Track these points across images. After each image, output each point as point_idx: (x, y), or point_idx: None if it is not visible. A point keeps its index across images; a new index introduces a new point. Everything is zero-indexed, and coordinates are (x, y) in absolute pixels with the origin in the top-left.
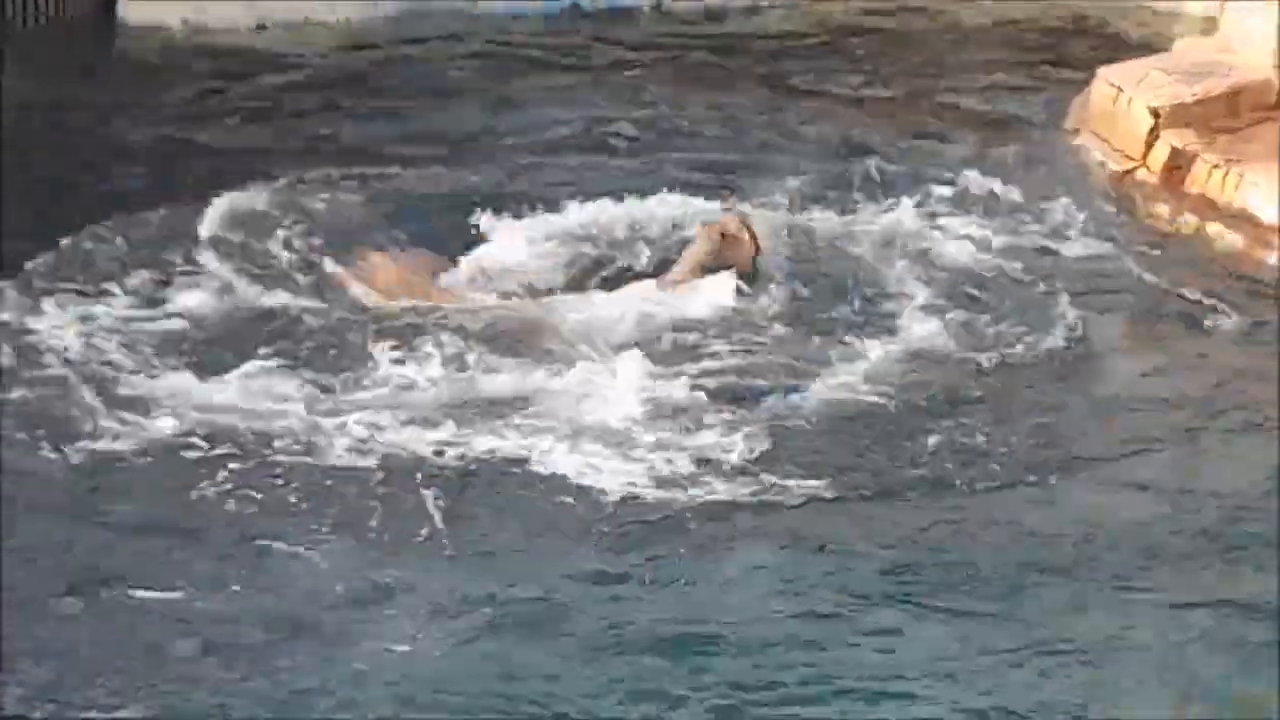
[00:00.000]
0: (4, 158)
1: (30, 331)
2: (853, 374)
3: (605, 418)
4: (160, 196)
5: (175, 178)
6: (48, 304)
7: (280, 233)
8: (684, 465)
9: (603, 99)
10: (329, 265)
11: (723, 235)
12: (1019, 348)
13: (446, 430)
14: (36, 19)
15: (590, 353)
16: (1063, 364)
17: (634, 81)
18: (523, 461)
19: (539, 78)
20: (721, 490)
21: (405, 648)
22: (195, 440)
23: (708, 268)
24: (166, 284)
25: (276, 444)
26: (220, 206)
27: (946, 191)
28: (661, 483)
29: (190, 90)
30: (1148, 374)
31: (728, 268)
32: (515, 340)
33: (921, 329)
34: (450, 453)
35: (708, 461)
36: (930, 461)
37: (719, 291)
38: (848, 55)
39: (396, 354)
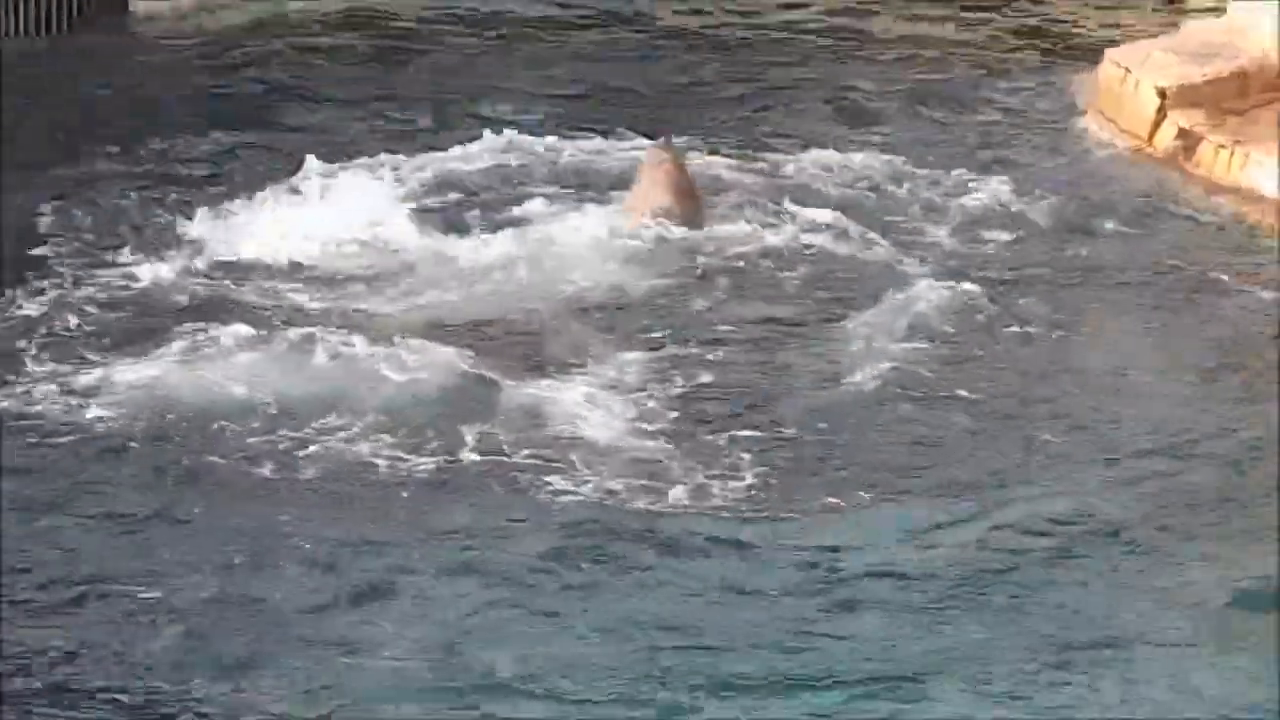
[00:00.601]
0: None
1: None
2: (865, 362)
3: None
4: None
5: None
6: None
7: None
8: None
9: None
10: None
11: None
12: (1029, 329)
13: (425, 430)
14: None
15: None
16: (1072, 344)
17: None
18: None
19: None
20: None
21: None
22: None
23: (661, 192)
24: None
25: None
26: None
27: (953, 170)
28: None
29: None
30: (1157, 351)
31: (682, 191)
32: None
33: (932, 311)
34: (427, 454)
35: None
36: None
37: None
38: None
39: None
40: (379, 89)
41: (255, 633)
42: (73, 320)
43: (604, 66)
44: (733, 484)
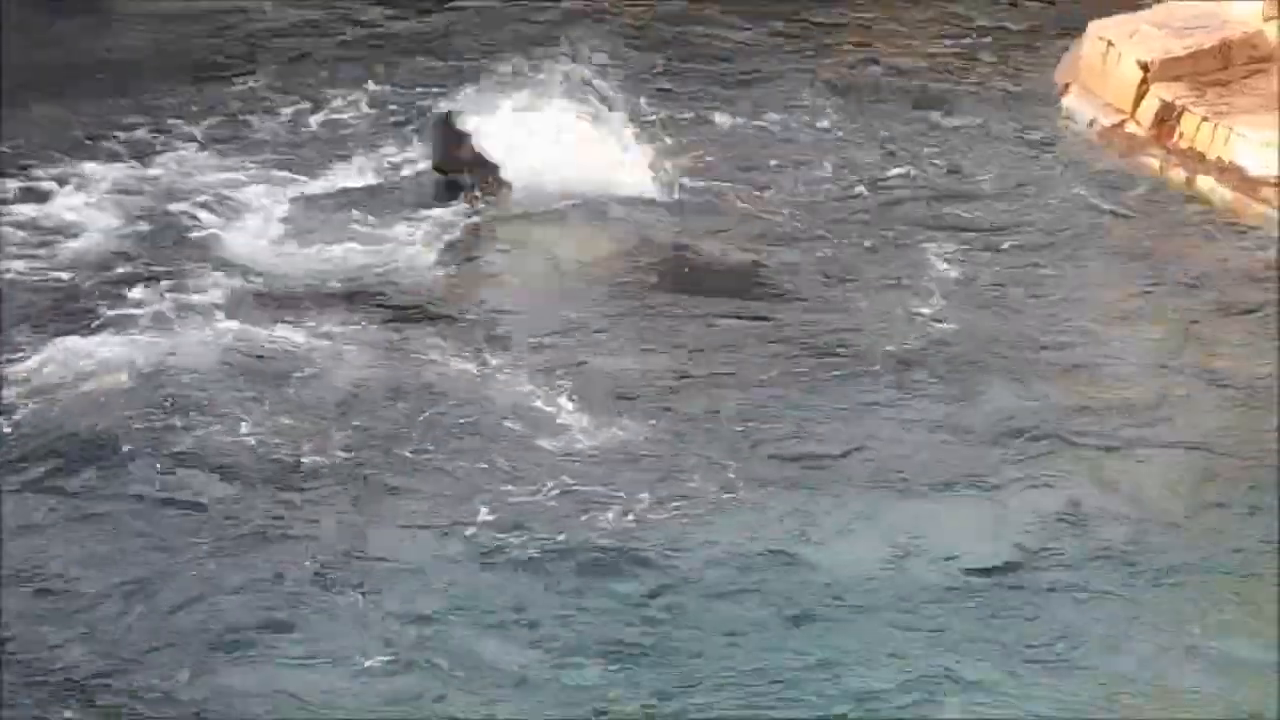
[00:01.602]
0: None
1: None
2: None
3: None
4: None
5: None
6: None
7: None
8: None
9: None
10: None
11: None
12: (1005, 303)
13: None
14: None
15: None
16: (1056, 321)
17: None
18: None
19: None
20: None
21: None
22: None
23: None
24: None
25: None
26: None
27: (930, 138)
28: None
29: None
30: (1139, 329)
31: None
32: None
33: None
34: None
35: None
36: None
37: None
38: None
39: None
40: None
41: None
42: None
43: None
44: None
